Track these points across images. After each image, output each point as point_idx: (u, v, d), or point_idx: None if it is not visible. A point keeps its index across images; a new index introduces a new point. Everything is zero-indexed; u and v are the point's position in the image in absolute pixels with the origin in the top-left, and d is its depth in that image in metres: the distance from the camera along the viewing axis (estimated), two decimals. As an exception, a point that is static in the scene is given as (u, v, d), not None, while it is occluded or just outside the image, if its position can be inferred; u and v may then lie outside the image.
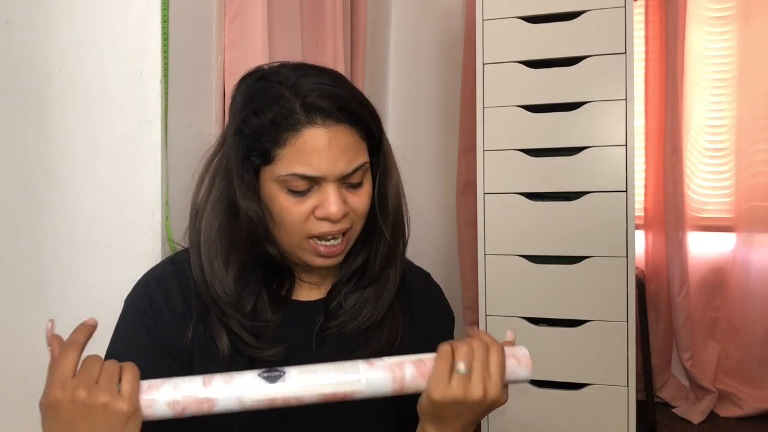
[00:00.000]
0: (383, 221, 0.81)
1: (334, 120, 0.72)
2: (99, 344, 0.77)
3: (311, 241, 0.75)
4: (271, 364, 0.70)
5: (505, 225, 1.96)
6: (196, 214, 0.79)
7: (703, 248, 2.54)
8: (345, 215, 0.75)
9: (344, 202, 0.74)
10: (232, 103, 0.79)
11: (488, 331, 1.98)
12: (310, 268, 0.82)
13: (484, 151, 1.98)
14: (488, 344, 0.69)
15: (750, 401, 2.40)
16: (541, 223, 1.93)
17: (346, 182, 0.75)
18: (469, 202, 2.65)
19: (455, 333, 0.90)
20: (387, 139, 0.83)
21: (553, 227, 1.92)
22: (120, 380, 0.61)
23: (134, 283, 0.81)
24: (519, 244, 1.95)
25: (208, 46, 1.45)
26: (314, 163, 0.72)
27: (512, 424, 1.96)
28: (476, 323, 2.58)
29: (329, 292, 0.83)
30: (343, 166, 0.73)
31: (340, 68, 2.09)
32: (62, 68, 1.34)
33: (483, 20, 1.98)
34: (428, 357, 0.68)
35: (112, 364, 0.62)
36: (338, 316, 0.81)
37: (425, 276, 0.94)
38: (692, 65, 2.50)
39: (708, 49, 2.51)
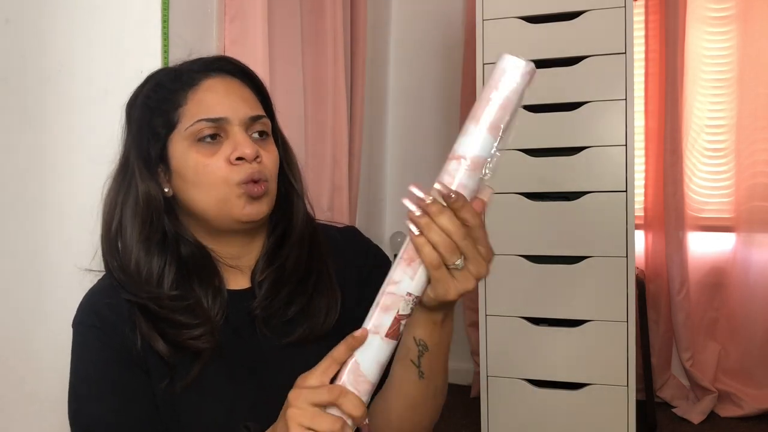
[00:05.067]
0: (296, 184, 0.84)
1: (227, 73, 0.80)
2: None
3: (241, 187, 0.75)
4: (211, 351, 0.74)
5: (505, 225, 1.96)
6: (110, 226, 0.79)
7: (703, 248, 2.54)
8: (258, 158, 0.76)
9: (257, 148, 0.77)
10: (129, 111, 0.82)
11: (488, 331, 2.00)
12: (232, 242, 0.81)
13: (484, 151, 1.98)
14: (463, 224, 0.60)
15: (750, 401, 2.40)
16: (541, 223, 1.93)
17: (253, 131, 0.78)
18: (469, 202, 2.64)
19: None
20: (278, 124, 0.87)
21: (553, 227, 1.92)
22: None
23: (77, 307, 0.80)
24: (519, 244, 1.95)
25: (208, 46, 1.46)
26: (216, 107, 0.76)
27: (512, 423, 1.96)
28: (476, 323, 2.58)
29: (252, 275, 0.82)
30: (245, 110, 0.77)
31: (340, 68, 2.09)
32: (62, 68, 1.34)
33: (483, 20, 1.98)
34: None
35: (331, 421, 0.60)
36: (264, 294, 0.80)
37: (351, 230, 0.94)
38: (692, 65, 2.50)
39: (708, 49, 2.51)
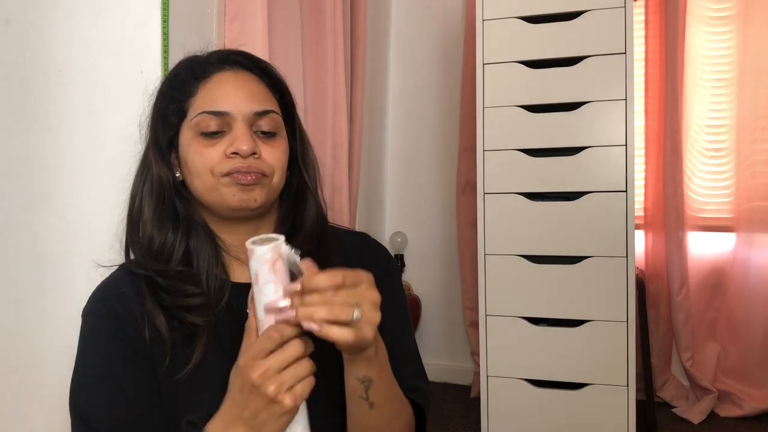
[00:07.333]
0: (309, 180, 0.85)
1: (241, 67, 0.81)
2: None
3: (226, 177, 0.76)
4: (208, 333, 0.75)
5: (505, 225, 1.96)
6: (133, 207, 0.82)
7: (703, 248, 2.54)
8: (255, 155, 0.77)
9: (256, 145, 0.78)
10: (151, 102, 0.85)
11: (488, 331, 2.00)
12: (237, 230, 0.82)
13: (484, 151, 1.98)
14: (348, 281, 0.65)
15: (750, 401, 2.40)
16: (541, 223, 1.93)
17: (259, 129, 0.79)
18: (469, 202, 2.65)
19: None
20: (300, 120, 0.88)
21: (553, 227, 1.92)
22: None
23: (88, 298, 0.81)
24: (519, 244, 1.95)
25: (208, 46, 1.45)
26: (221, 101, 0.77)
27: (512, 423, 1.96)
28: (476, 323, 2.59)
29: None
30: (250, 105, 0.78)
31: (340, 68, 2.09)
32: (62, 68, 1.34)
33: (483, 20, 1.98)
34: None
35: (302, 366, 0.63)
36: None
37: (362, 235, 0.95)
38: (692, 65, 2.50)
39: (708, 49, 2.51)
